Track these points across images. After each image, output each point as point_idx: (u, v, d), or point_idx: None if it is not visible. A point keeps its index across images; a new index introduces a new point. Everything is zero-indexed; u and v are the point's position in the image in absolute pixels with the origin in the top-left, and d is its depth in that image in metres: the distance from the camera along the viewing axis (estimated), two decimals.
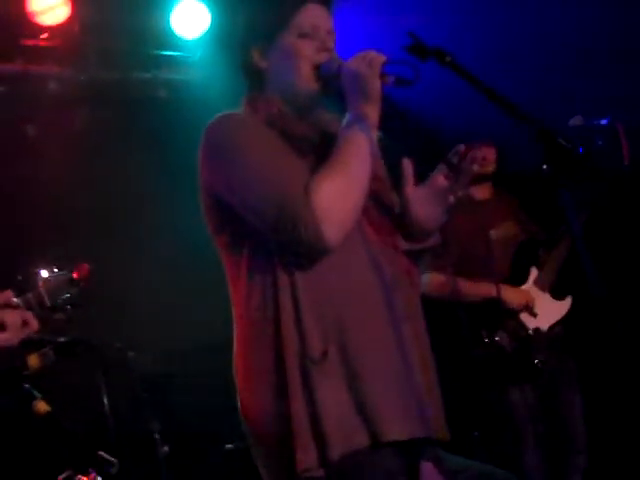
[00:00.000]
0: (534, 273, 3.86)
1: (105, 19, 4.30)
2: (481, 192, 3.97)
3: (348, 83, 1.94)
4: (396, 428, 1.85)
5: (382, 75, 1.91)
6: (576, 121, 2.84)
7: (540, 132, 1.57)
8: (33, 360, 3.12)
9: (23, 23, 4.10)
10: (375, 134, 1.95)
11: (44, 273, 2.33)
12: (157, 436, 3.60)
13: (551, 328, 3.80)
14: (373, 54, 1.92)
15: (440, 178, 2.05)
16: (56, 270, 2.39)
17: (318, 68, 2.02)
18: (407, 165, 2.07)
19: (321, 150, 1.97)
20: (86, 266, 2.46)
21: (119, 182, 4.45)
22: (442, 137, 4.14)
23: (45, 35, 4.19)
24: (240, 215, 1.93)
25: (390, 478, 1.83)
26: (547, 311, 3.80)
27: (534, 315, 3.76)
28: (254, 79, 2.11)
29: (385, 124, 2.00)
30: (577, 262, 3.86)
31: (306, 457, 1.81)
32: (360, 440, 1.83)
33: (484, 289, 3.70)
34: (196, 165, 2.03)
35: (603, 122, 2.67)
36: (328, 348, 1.85)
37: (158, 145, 4.47)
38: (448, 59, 1.72)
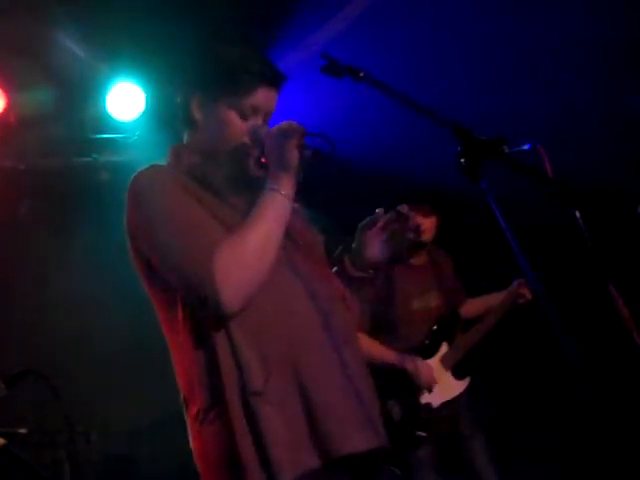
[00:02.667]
0: (444, 348, 3.88)
1: (41, 108, 4.35)
2: (417, 258, 4.01)
3: (267, 152, 2.00)
4: (351, 442, 1.87)
5: (302, 146, 1.95)
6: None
7: (455, 129, 1.64)
8: None
9: None
10: (289, 203, 1.98)
11: None
12: None
13: (441, 406, 3.78)
14: (292, 127, 1.97)
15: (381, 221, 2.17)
16: None
17: (244, 147, 2.06)
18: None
19: (238, 203, 2.03)
20: None
21: (71, 270, 4.47)
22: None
23: None
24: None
25: None
26: (443, 389, 3.80)
27: (430, 391, 3.76)
28: (183, 125, 2.14)
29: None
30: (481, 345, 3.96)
31: None
32: (311, 461, 1.84)
33: (398, 359, 3.71)
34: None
35: (525, 147, 2.78)
36: (269, 377, 1.87)
37: (103, 228, 4.50)
38: (362, 74, 1.79)
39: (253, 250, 1.90)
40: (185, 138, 2.15)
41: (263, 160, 2.03)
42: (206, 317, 1.91)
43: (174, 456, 3.96)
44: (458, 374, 3.88)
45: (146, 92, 4.57)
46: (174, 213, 1.94)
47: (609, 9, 3.78)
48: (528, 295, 3.89)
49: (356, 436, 1.88)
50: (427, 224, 3.88)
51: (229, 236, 1.92)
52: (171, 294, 1.96)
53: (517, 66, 3.99)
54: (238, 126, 2.06)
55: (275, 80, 2.09)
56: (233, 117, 2.06)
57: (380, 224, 2.15)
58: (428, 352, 3.85)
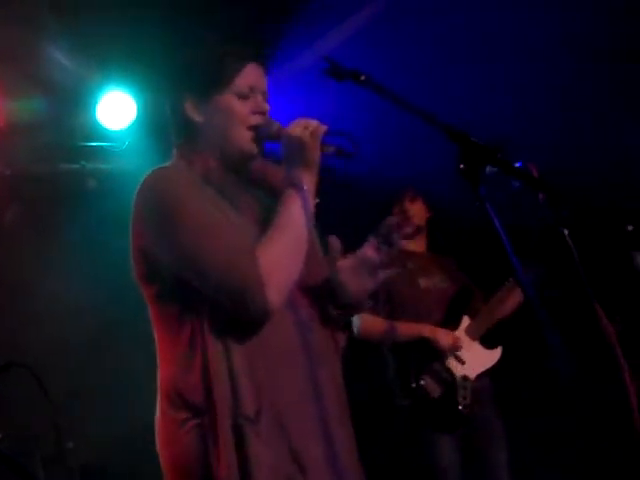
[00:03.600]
0: (466, 321, 3.89)
1: (31, 115, 4.34)
2: (414, 244, 4.05)
3: (289, 149, 1.97)
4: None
5: (322, 145, 1.96)
6: (491, 169, 2.98)
7: (454, 134, 1.65)
8: None
9: None
10: (313, 201, 1.98)
11: None
12: None
13: (478, 377, 3.80)
14: (315, 123, 1.96)
15: (369, 251, 2.03)
16: None
17: (256, 130, 2.04)
18: (334, 241, 2.06)
19: (257, 210, 2.02)
20: None
21: (55, 277, 4.44)
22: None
23: None
24: (173, 275, 1.91)
25: None
26: (475, 360, 3.81)
27: (462, 362, 3.77)
28: (184, 131, 2.09)
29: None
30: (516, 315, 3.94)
31: None
32: None
33: (416, 328, 3.74)
34: (127, 251, 2.01)
35: (517, 164, 2.82)
36: (262, 408, 1.85)
37: (86, 235, 4.49)
38: (363, 78, 1.81)
39: (289, 250, 1.91)
40: (186, 144, 2.09)
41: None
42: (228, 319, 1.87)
43: (151, 470, 3.95)
44: (488, 344, 3.88)
45: (137, 101, 4.57)
46: (202, 218, 1.90)
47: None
48: None
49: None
50: (414, 209, 3.97)
51: (264, 237, 1.91)
52: (178, 300, 1.92)
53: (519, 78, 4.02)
54: (241, 107, 2.04)
55: (259, 56, 2.10)
56: (233, 101, 2.04)
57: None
58: (450, 326, 3.85)
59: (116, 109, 4.57)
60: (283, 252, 1.90)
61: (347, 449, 1.97)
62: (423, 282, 3.94)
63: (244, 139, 2.03)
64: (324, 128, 1.96)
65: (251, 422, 1.81)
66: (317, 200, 2.01)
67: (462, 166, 1.63)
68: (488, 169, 3.15)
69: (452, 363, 3.77)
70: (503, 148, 1.61)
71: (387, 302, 3.80)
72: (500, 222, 1.64)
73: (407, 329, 3.74)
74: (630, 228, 3.13)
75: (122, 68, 4.37)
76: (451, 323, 3.88)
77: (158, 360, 2.00)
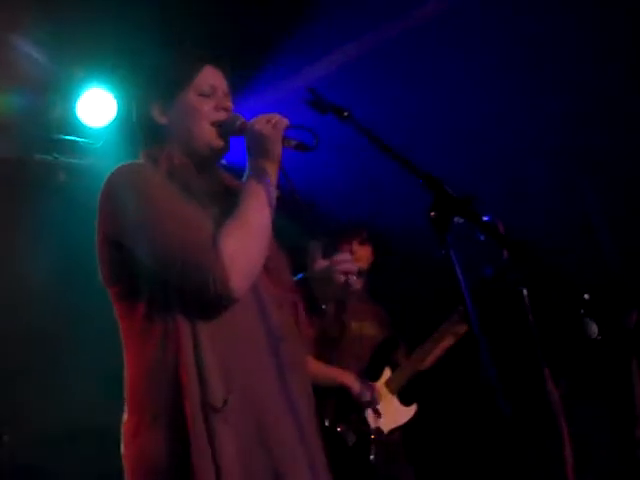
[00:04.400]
0: (387, 373, 3.90)
1: (10, 99, 4.30)
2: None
3: (251, 142, 2.03)
4: (299, 474, 1.90)
5: (284, 138, 2.01)
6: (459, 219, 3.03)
7: (429, 181, 1.67)
8: None
9: None
10: (274, 192, 2.02)
11: None
12: None
13: (391, 432, 3.80)
14: (278, 117, 2.02)
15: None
16: None
17: (219, 125, 2.10)
18: (314, 246, 2.19)
19: (219, 205, 2.03)
20: None
21: (12, 267, 4.39)
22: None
23: None
24: (140, 264, 1.94)
25: None
26: (391, 414, 3.81)
27: (379, 415, 3.77)
28: (152, 135, 2.15)
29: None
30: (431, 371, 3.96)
31: None
32: None
33: (338, 375, 3.72)
34: (91, 248, 2.04)
35: (485, 219, 2.87)
36: (229, 396, 1.87)
37: (50, 226, 4.46)
38: (346, 114, 1.82)
39: (253, 236, 1.94)
40: (152, 148, 2.13)
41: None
42: (196, 307, 1.90)
43: (90, 467, 3.90)
44: (405, 400, 3.88)
45: (118, 101, 4.55)
46: (167, 206, 1.94)
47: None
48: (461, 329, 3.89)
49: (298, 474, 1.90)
50: (362, 252, 3.95)
51: (228, 223, 1.93)
52: (145, 297, 1.94)
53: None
54: (204, 105, 2.10)
55: (217, 59, 2.17)
56: (195, 99, 2.11)
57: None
58: (371, 376, 3.85)
59: (96, 106, 4.55)
60: (246, 238, 1.92)
61: (311, 424, 2.00)
62: (353, 325, 3.95)
63: (209, 134, 2.10)
64: (286, 122, 2.01)
65: (217, 411, 1.84)
66: (278, 192, 2.04)
67: (433, 213, 1.65)
68: (456, 219, 3.20)
69: (369, 414, 3.77)
70: (473, 201, 1.63)
71: (317, 338, 3.79)
72: (462, 271, 1.66)
73: (329, 373, 3.71)
74: (587, 297, 3.17)
75: (106, 67, 4.36)
76: (373, 373, 3.89)
77: (125, 361, 2.01)
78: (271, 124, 2.00)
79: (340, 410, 3.72)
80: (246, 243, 1.92)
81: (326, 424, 3.68)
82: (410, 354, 3.94)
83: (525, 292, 2.86)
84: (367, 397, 3.75)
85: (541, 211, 4.29)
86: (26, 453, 3.91)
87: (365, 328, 3.95)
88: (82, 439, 4.08)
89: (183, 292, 1.91)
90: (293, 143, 2.02)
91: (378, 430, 3.75)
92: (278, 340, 1.99)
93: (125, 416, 1.98)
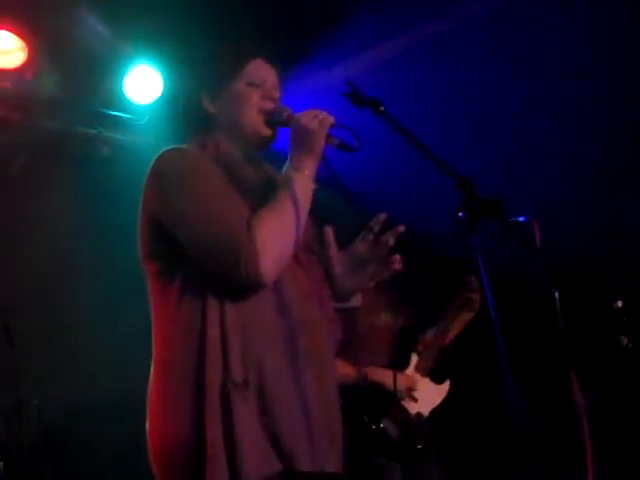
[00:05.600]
0: (414, 359, 3.91)
1: (59, 71, 4.35)
2: None
3: (296, 134, 2.06)
4: (306, 460, 1.92)
5: (328, 136, 2.04)
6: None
7: (460, 181, 1.67)
8: None
9: None
10: (312, 186, 2.05)
11: None
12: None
13: (433, 412, 3.83)
14: (324, 114, 2.05)
15: (361, 247, 2.18)
16: None
17: (266, 114, 2.15)
18: (327, 231, 2.18)
19: (261, 192, 2.07)
20: None
21: (48, 232, 4.46)
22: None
23: None
24: (179, 244, 1.99)
25: None
26: (427, 396, 3.84)
27: (415, 400, 3.79)
28: (202, 123, 2.20)
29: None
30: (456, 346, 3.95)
31: (218, 478, 1.83)
32: (274, 467, 1.88)
33: (367, 373, 3.73)
34: (128, 223, 2.11)
35: (521, 219, 2.85)
36: (249, 376, 1.91)
37: (93, 200, 4.51)
38: (382, 109, 1.82)
39: (286, 226, 1.97)
40: (205, 133, 2.19)
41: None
42: (227, 289, 1.94)
43: (116, 438, 3.97)
44: (437, 379, 3.91)
45: (165, 80, 4.59)
46: (208, 191, 1.99)
47: None
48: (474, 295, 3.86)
49: (308, 457, 1.92)
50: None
51: (263, 211, 1.97)
52: (180, 275, 1.99)
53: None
54: (252, 94, 2.15)
55: (269, 53, 2.22)
56: (244, 88, 2.16)
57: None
58: (401, 365, 3.87)
59: (143, 83, 4.59)
60: (279, 227, 1.96)
61: (326, 419, 2.01)
62: (383, 317, 3.96)
63: (257, 122, 2.15)
64: (332, 119, 2.04)
65: (238, 388, 1.88)
66: (315, 186, 2.06)
67: (461, 214, 1.65)
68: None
69: (407, 402, 3.78)
70: (503, 204, 1.62)
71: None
72: (486, 274, 1.65)
73: (355, 373, 3.71)
74: (619, 305, 3.13)
75: (156, 45, 4.39)
76: (401, 362, 3.90)
77: (153, 336, 2.06)
78: (317, 120, 2.03)
79: (377, 406, 3.73)
80: (278, 231, 1.95)
81: (371, 425, 3.68)
82: (431, 335, 3.94)
83: (557, 295, 2.84)
84: (402, 386, 3.74)
85: (575, 214, 4.24)
86: (54, 417, 3.98)
87: (386, 317, 3.95)
88: (110, 407, 4.15)
89: (215, 274, 1.96)
90: (336, 141, 2.05)
91: (419, 415, 3.78)
92: (294, 331, 2.01)
93: (150, 391, 2.03)
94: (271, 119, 2.14)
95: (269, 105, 2.15)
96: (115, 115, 4.68)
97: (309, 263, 2.15)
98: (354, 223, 2.34)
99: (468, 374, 4.64)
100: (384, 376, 3.74)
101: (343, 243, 2.23)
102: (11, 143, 4.46)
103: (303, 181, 2.01)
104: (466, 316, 3.96)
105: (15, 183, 4.47)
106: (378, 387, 3.74)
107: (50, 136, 4.53)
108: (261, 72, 2.19)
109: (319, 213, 2.29)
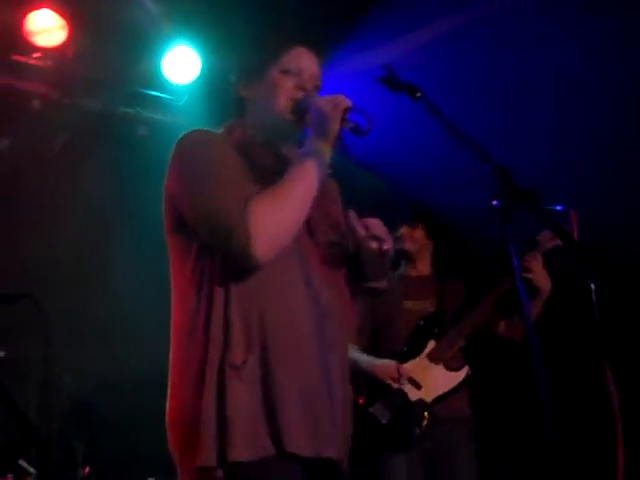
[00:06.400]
0: (431, 345, 3.85)
1: (99, 50, 4.37)
2: (412, 269, 4.05)
3: (312, 118, 2.06)
4: (301, 443, 1.90)
5: (343, 119, 2.01)
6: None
7: (497, 169, 1.64)
8: None
9: (18, 39, 4.18)
10: (324, 170, 2.03)
11: None
12: (80, 457, 3.59)
13: (439, 399, 3.77)
14: (341, 98, 2.03)
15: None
16: None
17: (295, 103, 2.12)
18: (351, 215, 2.14)
19: (279, 180, 2.05)
20: None
21: (85, 208, 4.50)
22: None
23: (37, 55, 4.26)
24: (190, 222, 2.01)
25: None
26: (433, 383, 3.78)
27: (419, 387, 3.76)
28: (234, 106, 2.21)
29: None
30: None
31: (206, 455, 1.85)
32: (264, 446, 1.87)
33: (363, 367, 3.73)
34: (156, 200, 2.13)
35: (559, 208, 2.80)
36: (248, 358, 1.91)
37: (129, 179, 4.54)
38: (419, 94, 1.80)
39: (288, 207, 1.96)
40: (237, 117, 2.20)
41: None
42: (225, 271, 1.95)
43: (145, 414, 4.01)
44: (452, 366, 3.86)
45: (203, 62, 4.59)
46: (217, 166, 2.00)
47: None
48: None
49: (303, 440, 1.90)
50: (412, 234, 3.98)
51: (266, 190, 1.96)
52: (194, 251, 2.00)
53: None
54: (285, 82, 2.13)
55: (312, 43, 2.18)
56: (278, 76, 2.14)
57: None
58: (413, 351, 3.84)
59: (182, 64, 4.60)
60: (280, 208, 1.94)
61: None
62: (408, 304, 3.93)
63: (284, 108, 2.12)
64: (348, 103, 2.02)
65: (235, 369, 1.89)
66: (329, 170, 2.05)
67: (495, 203, 1.62)
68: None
69: (407, 388, 3.75)
70: (540, 193, 1.59)
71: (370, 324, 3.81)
72: (519, 264, 1.63)
73: (360, 365, 3.72)
74: None
75: (196, 26, 4.39)
76: (415, 347, 3.86)
77: (173, 310, 2.07)
78: (333, 104, 2.02)
79: (373, 390, 3.74)
80: (279, 212, 1.94)
81: (360, 403, 3.71)
82: (456, 324, 3.87)
83: (593, 287, 2.79)
84: (389, 376, 3.73)
85: (614, 205, 4.17)
86: (84, 394, 4.04)
87: (422, 307, 3.93)
88: (138, 385, 4.19)
89: (214, 250, 1.97)
90: (350, 125, 2.03)
91: (421, 402, 3.74)
92: (325, 316, 2.01)
93: (170, 368, 2.04)
94: (298, 106, 2.12)
95: (300, 95, 2.13)
96: (153, 95, 4.71)
97: (333, 247, 2.14)
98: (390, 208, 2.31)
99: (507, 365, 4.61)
100: (377, 368, 3.74)
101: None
102: (52, 121, 4.50)
103: (311, 165, 2.00)
104: (492, 314, 3.86)
105: (55, 160, 4.52)
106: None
107: (89, 115, 4.56)
108: (300, 61, 2.16)
109: (353, 197, 2.27)
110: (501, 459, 4.62)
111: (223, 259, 1.96)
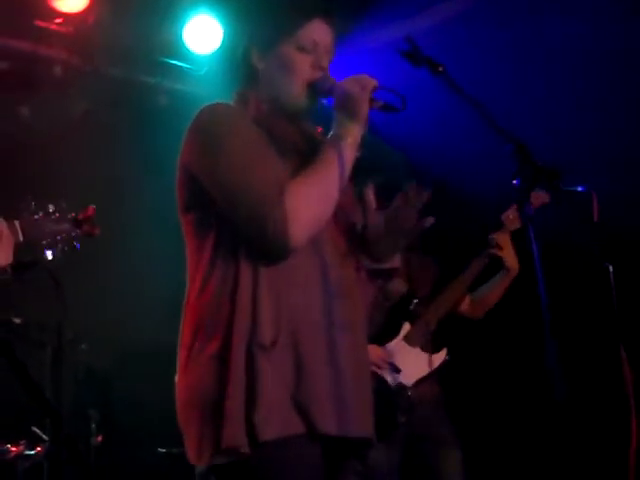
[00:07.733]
0: (406, 327, 3.75)
1: (121, 17, 4.36)
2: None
3: (339, 102, 2.02)
4: (332, 424, 1.89)
5: (371, 99, 2.00)
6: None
7: (517, 148, 1.62)
8: None
9: (40, 4, 4.17)
10: (354, 153, 2.01)
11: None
12: (93, 425, 3.61)
13: (418, 383, 3.68)
14: (367, 78, 2.01)
15: (393, 209, 2.10)
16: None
17: (311, 85, 2.09)
18: (368, 193, 2.15)
19: (301, 156, 2.04)
20: (91, 208, 2.54)
21: (106, 178, 4.50)
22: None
23: (59, 20, 4.26)
24: (213, 201, 1.97)
25: (315, 470, 1.89)
26: (412, 366, 3.69)
27: (398, 371, 3.66)
28: (247, 77, 2.16)
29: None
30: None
31: (234, 436, 1.83)
32: (296, 428, 1.86)
33: None
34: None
35: (579, 189, 2.78)
36: (278, 338, 1.89)
37: (148, 149, 4.53)
38: (440, 69, 1.77)
39: (321, 192, 1.95)
40: (246, 90, 2.15)
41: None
42: (256, 254, 1.92)
43: (160, 385, 4.04)
44: (430, 348, 3.78)
45: (225, 31, 4.56)
46: (245, 147, 1.97)
47: None
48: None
49: (333, 420, 1.90)
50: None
51: (299, 175, 1.95)
52: (214, 229, 1.98)
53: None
54: (300, 60, 2.09)
55: (328, 14, 2.14)
56: (294, 53, 2.10)
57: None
58: (389, 334, 3.73)
59: (203, 33, 4.58)
60: (313, 193, 1.94)
61: (357, 379, 2.00)
62: (378, 283, 3.82)
63: (298, 92, 2.09)
64: (374, 83, 2.00)
65: (264, 350, 1.87)
66: (358, 153, 2.03)
67: (515, 182, 1.60)
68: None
69: (386, 374, 3.66)
70: (561, 173, 1.57)
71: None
72: (538, 246, 1.61)
73: None
74: None
75: None
76: (390, 330, 3.75)
77: (187, 290, 2.05)
78: (359, 85, 1.99)
79: None
80: (312, 198, 1.93)
81: None
82: (429, 304, 3.78)
83: (611, 269, 2.77)
84: (373, 361, 3.57)
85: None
86: (101, 362, 4.07)
87: (392, 284, 3.85)
88: (154, 354, 4.22)
89: (244, 236, 1.94)
90: (380, 104, 2.01)
91: (401, 386, 3.65)
92: (332, 297, 1.99)
93: (180, 346, 2.02)
94: (314, 89, 2.09)
95: (316, 74, 2.09)
96: (174, 64, 4.69)
97: (347, 227, 2.13)
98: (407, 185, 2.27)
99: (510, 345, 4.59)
100: None
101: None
102: (73, 88, 4.50)
103: (344, 148, 1.98)
104: (503, 279, 3.81)
105: (76, 127, 4.52)
106: None
107: (110, 83, 4.55)
108: (316, 35, 2.12)
109: (372, 173, 2.25)
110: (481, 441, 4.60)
111: (248, 241, 1.94)
